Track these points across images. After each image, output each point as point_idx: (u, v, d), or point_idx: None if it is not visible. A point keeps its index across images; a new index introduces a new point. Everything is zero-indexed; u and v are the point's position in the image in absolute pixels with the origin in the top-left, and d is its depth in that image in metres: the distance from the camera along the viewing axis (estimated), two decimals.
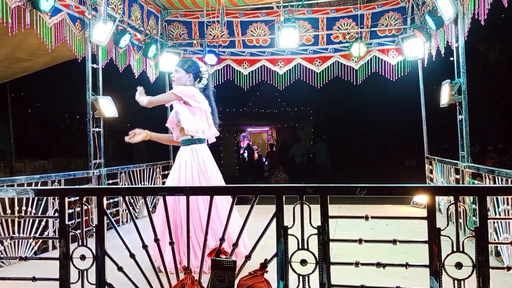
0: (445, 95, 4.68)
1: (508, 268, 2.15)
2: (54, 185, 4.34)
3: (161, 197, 2.38)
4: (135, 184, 5.75)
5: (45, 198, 4.07)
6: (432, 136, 6.64)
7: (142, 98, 3.39)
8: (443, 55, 5.39)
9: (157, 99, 3.51)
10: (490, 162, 10.23)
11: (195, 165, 3.42)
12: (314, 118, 17.59)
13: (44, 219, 4.10)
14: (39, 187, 4.01)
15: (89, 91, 4.93)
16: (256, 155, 17.50)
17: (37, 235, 3.90)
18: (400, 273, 2.65)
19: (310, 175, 15.09)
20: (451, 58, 4.77)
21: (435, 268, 2.06)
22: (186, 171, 3.41)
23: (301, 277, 2.20)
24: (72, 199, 2.85)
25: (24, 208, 3.87)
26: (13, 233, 3.75)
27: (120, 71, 5.82)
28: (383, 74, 6.60)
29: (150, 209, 2.51)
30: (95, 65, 5.06)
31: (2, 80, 7.80)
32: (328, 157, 15.73)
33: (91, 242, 2.37)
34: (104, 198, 2.38)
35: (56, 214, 2.50)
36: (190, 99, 3.44)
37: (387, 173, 14.14)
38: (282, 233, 2.20)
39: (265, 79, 7.00)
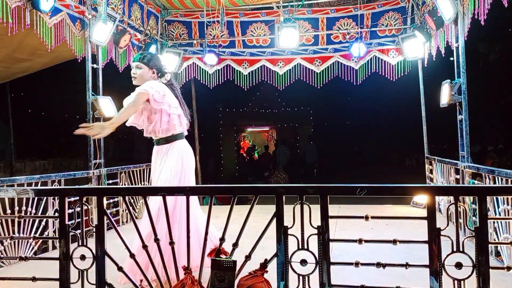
0: (445, 95, 4.68)
1: (508, 268, 2.15)
2: (54, 185, 4.34)
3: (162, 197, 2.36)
4: (135, 184, 5.75)
5: (45, 198, 4.07)
6: (432, 136, 6.64)
7: (108, 126, 2.84)
8: (443, 55, 5.39)
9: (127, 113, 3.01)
10: (490, 162, 10.22)
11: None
12: (314, 118, 17.60)
13: (44, 219, 4.10)
14: (39, 187, 4.01)
15: (89, 91, 4.93)
16: (255, 155, 17.51)
17: (37, 235, 3.90)
18: (400, 273, 2.65)
19: (297, 175, 15.24)
20: (451, 58, 4.77)
21: (435, 268, 2.06)
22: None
23: (301, 277, 2.20)
24: (72, 199, 2.85)
25: (24, 208, 3.87)
26: (13, 233, 3.75)
27: (120, 71, 5.82)
28: (383, 74, 6.60)
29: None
30: (95, 65, 5.06)
31: (2, 80, 7.81)
32: (316, 157, 15.83)
33: (91, 242, 2.37)
34: (104, 198, 2.38)
35: (56, 214, 2.49)
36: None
37: (387, 173, 14.13)
38: (282, 233, 2.20)
39: (265, 79, 7.00)
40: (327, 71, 6.75)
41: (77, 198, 2.44)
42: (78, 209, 2.40)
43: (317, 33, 6.69)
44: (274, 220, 2.21)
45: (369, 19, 6.52)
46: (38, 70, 6.79)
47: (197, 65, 7.00)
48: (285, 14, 6.22)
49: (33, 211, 4.04)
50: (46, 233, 4.16)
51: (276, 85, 7.01)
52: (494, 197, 3.52)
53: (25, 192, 2.50)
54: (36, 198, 3.92)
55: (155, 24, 6.55)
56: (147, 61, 3.20)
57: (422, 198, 5.70)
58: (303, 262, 2.18)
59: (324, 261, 2.16)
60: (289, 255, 2.21)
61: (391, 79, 6.59)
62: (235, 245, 2.32)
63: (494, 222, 3.60)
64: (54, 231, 4.17)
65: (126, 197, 2.74)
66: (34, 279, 2.47)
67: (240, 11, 6.73)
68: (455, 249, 2.08)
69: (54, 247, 4.24)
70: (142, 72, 3.19)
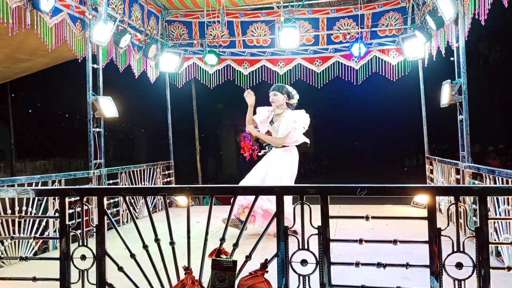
0: (446, 95, 4.68)
1: (509, 268, 2.15)
2: (55, 185, 4.34)
3: None
4: (136, 184, 5.75)
5: (45, 198, 4.07)
6: (432, 136, 6.64)
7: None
8: (443, 55, 5.39)
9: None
10: (491, 162, 10.22)
11: None
12: (314, 118, 17.55)
13: (45, 219, 4.10)
14: (39, 187, 4.00)
15: (89, 91, 4.93)
16: (255, 155, 17.49)
17: (37, 235, 3.90)
18: (400, 273, 2.65)
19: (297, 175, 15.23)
20: (452, 58, 4.76)
21: (436, 268, 2.06)
22: None
23: (301, 277, 2.20)
24: (73, 199, 2.85)
25: (24, 208, 3.87)
26: (14, 233, 3.75)
27: (121, 71, 5.82)
28: (383, 74, 6.59)
29: (151, 209, 2.51)
30: (95, 65, 5.06)
31: (3, 80, 7.81)
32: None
33: (92, 242, 2.37)
34: (105, 198, 2.38)
35: (57, 214, 2.50)
36: None
37: (387, 173, 14.13)
38: (283, 233, 2.20)
39: (266, 79, 7.00)
40: (328, 71, 6.75)
41: (78, 198, 2.44)
42: (79, 209, 2.40)
43: (318, 33, 6.69)
44: (275, 220, 2.21)
45: (370, 19, 6.52)
46: (38, 70, 6.80)
47: (198, 65, 7.00)
48: (285, 14, 6.21)
49: (34, 211, 4.04)
50: (46, 233, 4.16)
51: None
52: (495, 197, 3.52)
53: (25, 192, 2.50)
54: (36, 198, 3.92)
55: (155, 24, 6.55)
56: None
57: (422, 198, 5.69)
58: (304, 262, 2.18)
59: (324, 261, 2.16)
60: (290, 255, 2.21)
61: (392, 79, 6.59)
62: (235, 245, 2.32)
63: (494, 222, 3.60)
64: (55, 231, 4.16)
65: (127, 197, 2.74)
66: (34, 279, 2.47)
67: (240, 11, 6.72)
68: (455, 249, 2.08)
69: (54, 247, 4.24)
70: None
